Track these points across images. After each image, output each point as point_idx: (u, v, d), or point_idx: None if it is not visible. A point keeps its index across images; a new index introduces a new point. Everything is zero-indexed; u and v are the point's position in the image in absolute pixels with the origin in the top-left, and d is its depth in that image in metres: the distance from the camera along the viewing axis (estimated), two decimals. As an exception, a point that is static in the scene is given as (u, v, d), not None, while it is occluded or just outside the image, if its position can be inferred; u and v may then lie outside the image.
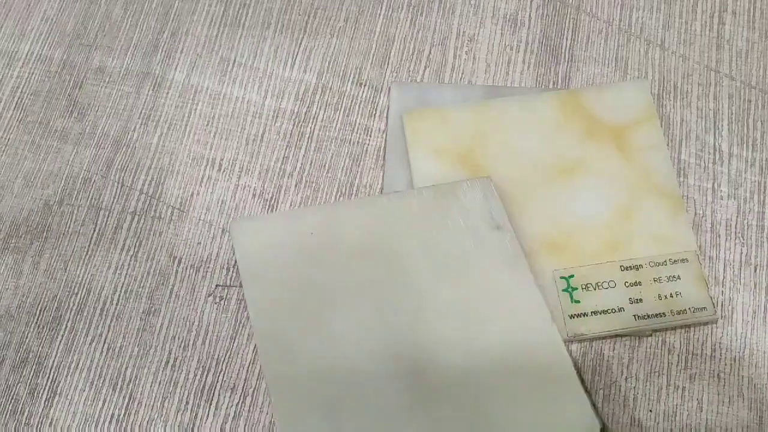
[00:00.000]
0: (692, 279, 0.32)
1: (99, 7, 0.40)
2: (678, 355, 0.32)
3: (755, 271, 0.33)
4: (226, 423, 0.31)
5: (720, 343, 0.32)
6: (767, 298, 0.33)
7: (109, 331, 0.33)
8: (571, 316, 0.31)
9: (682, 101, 0.36)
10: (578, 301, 0.32)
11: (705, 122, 0.36)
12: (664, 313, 0.31)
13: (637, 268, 0.32)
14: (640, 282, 0.32)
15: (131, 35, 0.39)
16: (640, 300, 0.32)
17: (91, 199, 0.35)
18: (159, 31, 0.39)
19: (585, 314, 0.31)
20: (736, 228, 0.34)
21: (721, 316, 0.32)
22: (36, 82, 0.38)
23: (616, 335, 0.32)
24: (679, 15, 0.38)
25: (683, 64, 0.37)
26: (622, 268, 0.32)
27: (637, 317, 0.31)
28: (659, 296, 0.32)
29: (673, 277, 0.32)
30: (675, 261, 0.32)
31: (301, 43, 0.38)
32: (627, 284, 0.32)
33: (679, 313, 0.31)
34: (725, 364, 0.32)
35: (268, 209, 0.35)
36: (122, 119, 0.37)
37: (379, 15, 0.39)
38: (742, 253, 0.33)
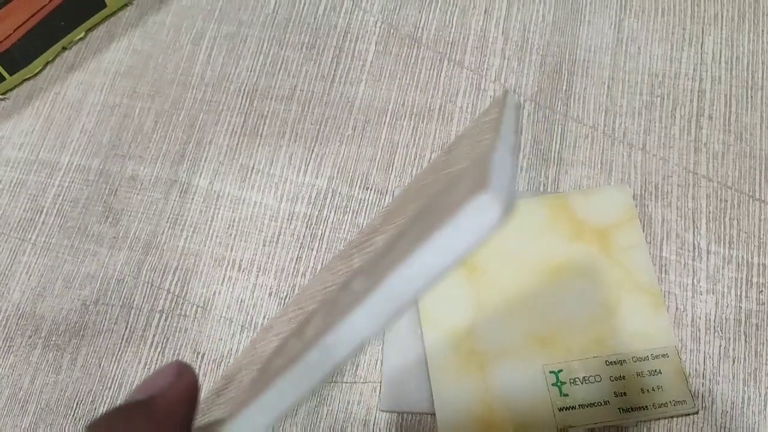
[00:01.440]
0: (672, 373, 0.35)
1: (132, 120, 0.44)
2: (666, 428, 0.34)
3: (733, 363, 0.36)
4: None
5: (706, 414, 0.34)
6: (745, 389, 0.35)
7: (138, 422, 0.36)
8: (560, 409, 0.34)
9: (662, 201, 0.39)
10: (567, 395, 0.34)
11: (684, 221, 0.39)
12: (646, 407, 0.34)
13: (621, 362, 0.35)
14: (624, 376, 0.35)
15: (161, 145, 0.43)
16: (624, 393, 0.34)
17: (124, 298, 0.39)
18: (185, 141, 0.43)
19: (573, 407, 0.34)
20: (714, 322, 0.37)
21: (702, 407, 0.35)
22: (75, 190, 0.42)
23: (603, 427, 0.34)
24: (659, 120, 0.42)
25: (663, 166, 0.40)
26: (607, 363, 0.35)
27: (621, 410, 0.34)
28: (642, 390, 0.34)
29: (655, 371, 0.35)
30: (656, 356, 0.35)
31: (313, 151, 0.42)
32: (612, 378, 0.35)
33: (660, 406, 0.34)
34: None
35: (282, 307, 0.38)
36: (152, 223, 0.41)
37: (384, 123, 0.43)
38: (720, 346, 0.36)
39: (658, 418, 0.34)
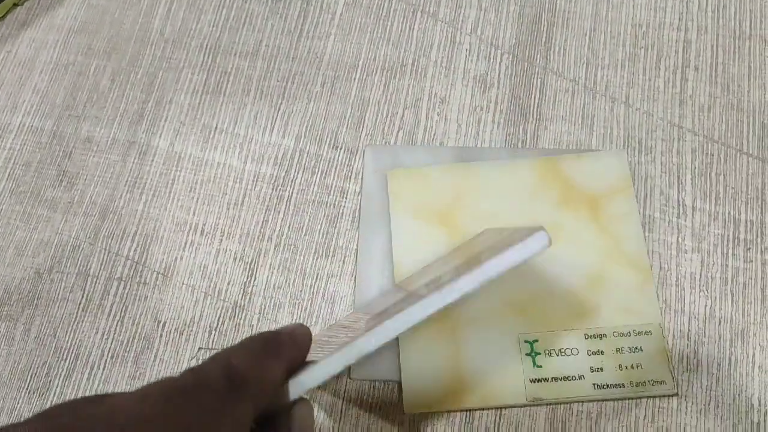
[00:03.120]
0: (654, 352, 0.33)
1: (87, 79, 0.41)
2: (645, 409, 0.33)
3: (719, 323, 0.34)
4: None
5: (686, 396, 0.33)
6: (732, 350, 0.34)
7: (96, 395, 0.34)
8: (532, 381, 0.32)
9: (646, 157, 0.38)
10: (540, 366, 0.33)
11: (669, 177, 0.37)
12: (623, 384, 0.32)
13: (600, 337, 0.33)
14: (602, 351, 0.33)
15: (118, 105, 0.41)
16: (601, 369, 0.33)
17: (80, 266, 0.37)
18: (144, 100, 0.41)
19: (546, 379, 0.32)
20: (700, 281, 0.35)
21: (687, 369, 0.33)
22: (27, 153, 0.40)
23: (581, 403, 0.33)
24: (643, 72, 0.40)
25: (647, 120, 0.39)
26: (586, 336, 0.33)
27: (596, 386, 0.32)
28: (620, 366, 0.33)
29: (636, 348, 0.33)
30: (639, 333, 0.33)
31: (279, 109, 0.40)
32: (590, 353, 0.33)
33: (638, 384, 0.32)
34: (691, 417, 0.32)
35: (248, 273, 0.36)
36: (109, 187, 0.39)
37: (354, 79, 0.41)
38: (706, 306, 0.34)
39: (634, 398, 0.33)
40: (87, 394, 0.34)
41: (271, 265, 0.36)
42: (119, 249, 0.37)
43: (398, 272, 0.35)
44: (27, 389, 0.34)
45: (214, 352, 0.34)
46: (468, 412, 0.33)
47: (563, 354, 0.33)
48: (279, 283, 0.36)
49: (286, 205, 0.38)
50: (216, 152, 0.39)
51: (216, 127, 0.40)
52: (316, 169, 0.39)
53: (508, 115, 0.39)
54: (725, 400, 0.33)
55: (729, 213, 0.36)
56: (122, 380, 0.34)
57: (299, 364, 0.26)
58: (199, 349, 0.35)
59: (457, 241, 0.35)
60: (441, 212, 0.36)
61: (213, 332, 0.35)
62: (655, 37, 0.40)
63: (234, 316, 0.35)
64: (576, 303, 0.34)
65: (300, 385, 0.25)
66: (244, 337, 0.26)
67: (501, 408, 0.33)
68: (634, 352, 0.33)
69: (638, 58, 0.40)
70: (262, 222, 0.37)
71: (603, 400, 0.33)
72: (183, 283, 0.36)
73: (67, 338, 0.35)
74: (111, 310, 0.36)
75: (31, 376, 0.35)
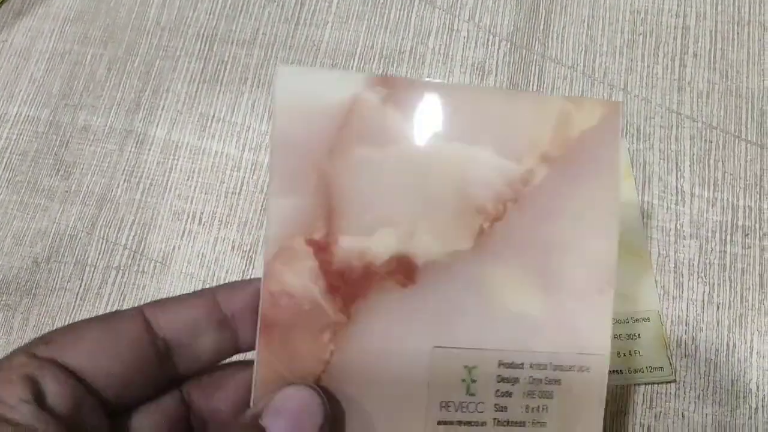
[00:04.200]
0: (652, 339, 0.33)
1: (84, 68, 0.41)
2: (643, 395, 0.33)
3: (718, 309, 0.34)
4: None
5: (684, 382, 0.33)
6: (730, 336, 0.34)
7: (95, 384, 0.34)
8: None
9: (644, 144, 0.38)
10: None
11: (667, 164, 0.37)
12: (621, 371, 0.32)
13: (599, 320, 0.33)
14: (601, 335, 0.33)
15: (114, 94, 0.40)
16: None
17: (77, 255, 0.37)
18: (141, 89, 0.41)
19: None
20: (698, 267, 0.35)
21: (685, 355, 0.33)
22: (24, 143, 0.40)
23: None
24: (641, 59, 0.40)
25: (645, 106, 0.38)
26: (585, 320, 0.33)
27: None
28: (618, 353, 0.33)
29: (634, 335, 0.33)
30: (637, 320, 0.33)
31: (277, 97, 0.40)
32: (588, 336, 0.33)
33: (636, 371, 0.32)
34: (689, 403, 0.32)
35: (246, 261, 0.36)
36: (106, 176, 0.39)
37: (352, 67, 0.40)
38: (704, 292, 0.34)
39: (632, 384, 0.33)
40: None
41: (269, 253, 0.36)
42: (117, 238, 0.37)
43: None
44: (26, 378, 0.34)
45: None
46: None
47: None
48: (277, 271, 0.36)
49: (283, 193, 0.38)
50: (213, 141, 0.39)
51: (213, 116, 0.40)
52: (314, 158, 0.38)
53: (506, 103, 0.39)
54: (723, 386, 0.33)
55: (727, 199, 0.36)
56: (121, 369, 0.34)
57: None
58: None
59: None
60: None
61: (211, 321, 0.35)
62: (653, 23, 0.40)
63: (232, 305, 0.35)
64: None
65: None
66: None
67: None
68: (632, 338, 0.33)
69: (637, 45, 0.40)
70: (260, 210, 0.37)
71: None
72: (181, 272, 0.36)
73: (65, 327, 0.35)
74: (109, 300, 0.36)
75: (29, 366, 0.35)
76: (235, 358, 0.24)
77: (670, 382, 0.33)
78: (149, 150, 0.39)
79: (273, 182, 0.22)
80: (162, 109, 0.40)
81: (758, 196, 0.36)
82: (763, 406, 0.32)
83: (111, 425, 0.21)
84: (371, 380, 0.22)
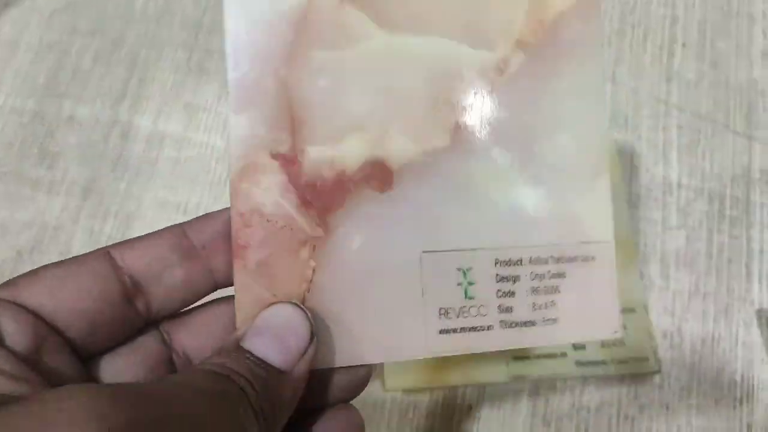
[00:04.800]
0: (637, 330, 0.33)
1: (70, 58, 0.41)
2: (628, 386, 0.32)
3: (704, 299, 0.34)
4: None
5: (669, 373, 0.33)
6: (715, 326, 0.33)
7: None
8: (515, 358, 0.32)
9: (632, 133, 0.37)
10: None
11: (654, 154, 0.37)
12: (605, 361, 0.32)
13: (584, 309, 0.33)
14: (586, 325, 0.33)
15: (101, 84, 0.40)
16: (583, 347, 0.32)
17: (62, 246, 0.37)
18: (127, 79, 0.40)
19: (528, 357, 0.32)
20: (685, 257, 0.35)
21: (670, 346, 0.33)
22: (9, 133, 0.39)
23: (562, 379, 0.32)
24: (630, 48, 0.39)
25: (633, 97, 0.38)
26: (570, 310, 0.33)
27: (578, 363, 0.32)
28: (603, 344, 0.32)
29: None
30: (622, 310, 0.33)
31: (263, 87, 0.40)
32: (573, 327, 0.33)
33: (620, 362, 0.32)
34: (674, 394, 0.32)
35: (230, 251, 0.36)
36: (91, 167, 0.38)
37: (339, 57, 0.40)
38: (690, 282, 0.34)
39: (617, 375, 0.32)
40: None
41: (253, 243, 0.36)
42: (102, 229, 0.37)
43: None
44: (9, 368, 0.34)
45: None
46: (450, 389, 0.33)
47: (544, 330, 0.33)
48: (261, 261, 0.36)
49: (269, 183, 0.38)
50: (199, 131, 0.39)
51: (199, 106, 0.40)
52: (300, 148, 0.38)
53: (494, 93, 0.39)
54: (708, 377, 0.33)
55: (715, 189, 0.36)
56: (104, 359, 0.34)
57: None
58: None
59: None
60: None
61: (195, 311, 0.35)
62: (642, 12, 0.40)
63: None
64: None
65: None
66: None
67: (483, 385, 0.33)
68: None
69: (625, 34, 0.40)
70: (245, 201, 0.37)
71: (585, 378, 0.32)
72: (165, 262, 0.36)
73: (49, 318, 0.35)
74: (93, 290, 0.36)
75: (13, 356, 0.35)
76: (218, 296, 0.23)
77: (655, 373, 0.32)
78: (134, 140, 0.39)
79: (230, 96, 0.21)
80: (147, 100, 0.40)
81: (746, 186, 0.36)
82: (747, 397, 0.32)
83: (83, 367, 0.20)
84: (359, 296, 0.21)
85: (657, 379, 0.32)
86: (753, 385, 0.32)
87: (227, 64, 0.21)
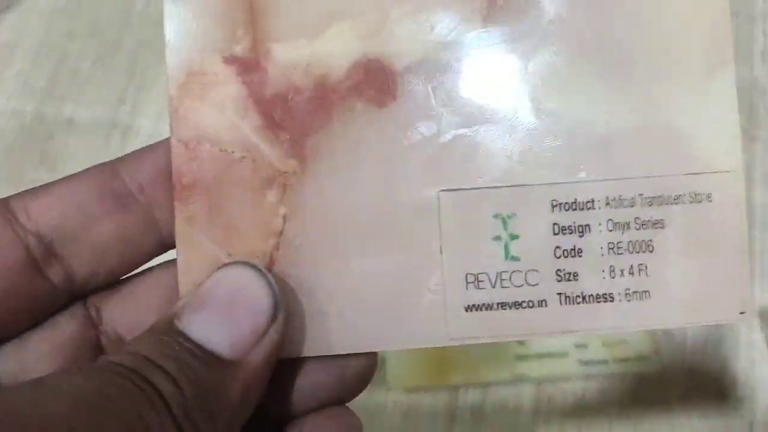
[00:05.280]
0: None
1: (70, 62, 0.41)
2: (630, 385, 0.32)
3: (706, 299, 0.34)
4: None
5: (671, 371, 0.33)
6: (717, 326, 0.33)
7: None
8: (517, 357, 0.32)
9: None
10: (523, 343, 0.32)
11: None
12: (607, 360, 0.32)
13: (584, 313, 0.33)
14: (586, 328, 0.33)
15: (101, 87, 0.40)
16: (585, 345, 0.32)
17: (62, 248, 0.37)
18: (127, 82, 0.40)
19: (530, 356, 0.32)
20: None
21: (673, 345, 0.33)
22: (9, 137, 0.39)
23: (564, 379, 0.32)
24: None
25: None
26: (571, 313, 0.33)
27: (581, 362, 0.32)
28: (604, 343, 0.32)
29: None
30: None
31: (263, 89, 0.40)
32: (573, 330, 0.32)
33: (622, 360, 0.32)
34: (676, 392, 0.32)
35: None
36: (92, 169, 0.38)
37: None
38: (692, 282, 0.34)
39: (619, 374, 0.32)
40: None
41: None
42: (102, 231, 0.37)
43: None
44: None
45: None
46: (454, 389, 0.32)
47: (547, 330, 0.32)
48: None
49: (269, 185, 0.37)
50: (199, 133, 0.39)
51: (199, 109, 0.40)
52: (300, 149, 0.38)
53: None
54: (710, 376, 0.32)
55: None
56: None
57: None
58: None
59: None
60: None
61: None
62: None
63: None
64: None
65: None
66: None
67: (487, 385, 0.32)
68: (619, 327, 0.32)
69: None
70: (246, 202, 0.37)
71: (588, 377, 0.32)
72: (166, 264, 0.36)
73: (49, 320, 0.35)
74: (93, 292, 0.36)
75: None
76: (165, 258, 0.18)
77: (656, 372, 0.32)
78: (135, 141, 0.39)
79: None
80: (147, 102, 0.40)
81: (748, 186, 0.36)
82: (751, 396, 0.32)
83: None
84: (349, 256, 0.15)
85: (659, 378, 0.32)
86: (755, 384, 0.32)
87: None
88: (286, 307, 0.15)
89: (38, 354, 0.16)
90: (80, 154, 0.39)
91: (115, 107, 0.40)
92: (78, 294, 0.17)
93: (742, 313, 0.15)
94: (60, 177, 0.37)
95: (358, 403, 0.32)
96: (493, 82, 0.15)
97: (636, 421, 0.32)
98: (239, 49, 0.15)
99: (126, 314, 0.17)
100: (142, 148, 0.17)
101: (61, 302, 0.17)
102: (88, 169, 0.17)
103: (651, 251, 0.15)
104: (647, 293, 0.15)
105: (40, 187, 0.17)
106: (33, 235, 0.16)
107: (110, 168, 0.17)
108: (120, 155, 0.38)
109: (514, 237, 0.15)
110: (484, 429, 0.32)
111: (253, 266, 0.15)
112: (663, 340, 0.33)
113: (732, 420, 0.32)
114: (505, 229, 0.15)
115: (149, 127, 0.39)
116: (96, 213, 0.16)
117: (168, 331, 0.14)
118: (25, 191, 0.17)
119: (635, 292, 0.15)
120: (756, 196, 0.36)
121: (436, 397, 0.32)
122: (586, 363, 0.32)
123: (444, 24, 0.15)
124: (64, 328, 0.16)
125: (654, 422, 0.32)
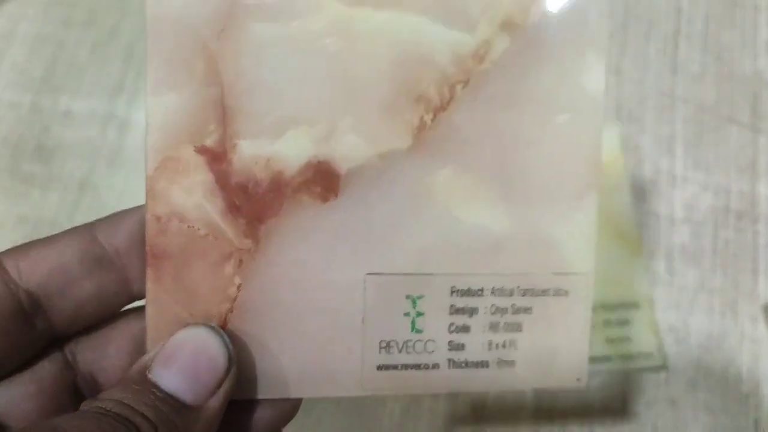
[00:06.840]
0: (642, 324, 0.32)
1: (66, 51, 0.40)
2: (633, 382, 0.32)
3: (710, 295, 0.34)
4: None
5: (675, 368, 0.32)
6: (721, 321, 0.33)
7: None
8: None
9: (637, 126, 0.37)
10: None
11: (659, 147, 0.36)
12: (610, 357, 0.32)
13: (588, 309, 0.33)
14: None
15: (97, 78, 0.40)
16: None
17: (58, 241, 0.36)
18: (124, 72, 0.40)
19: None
20: (690, 252, 0.34)
21: (676, 341, 0.33)
22: (5, 128, 0.39)
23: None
24: (634, 41, 0.39)
25: (638, 89, 0.38)
26: (574, 306, 0.33)
27: None
28: (607, 339, 0.32)
29: (624, 321, 0.32)
30: (627, 306, 0.32)
31: (262, 81, 0.39)
32: (577, 324, 0.32)
33: (625, 357, 0.32)
34: (680, 389, 0.32)
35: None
36: (88, 161, 0.38)
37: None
38: (696, 276, 0.34)
39: (623, 371, 0.32)
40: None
41: (253, 238, 0.36)
42: (99, 224, 0.36)
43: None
44: (5, 366, 0.34)
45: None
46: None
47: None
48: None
49: (268, 178, 0.37)
50: (197, 125, 0.38)
51: (197, 100, 0.39)
52: (300, 142, 0.38)
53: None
54: (715, 372, 0.32)
55: (720, 183, 0.36)
56: (102, 356, 0.34)
57: None
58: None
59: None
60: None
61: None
62: (646, 4, 0.40)
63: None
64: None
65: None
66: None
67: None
68: (622, 325, 0.32)
69: (629, 26, 0.39)
70: (245, 195, 0.37)
71: (591, 373, 0.32)
72: (164, 258, 0.36)
73: (45, 314, 0.35)
74: (90, 286, 0.35)
75: (9, 353, 0.34)
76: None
77: (660, 368, 0.32)
78: (132, 134, 0.38)
79: (148, 75, 0.17)
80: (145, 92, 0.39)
81: (751, 180, 0.35)
82: (755, 393, 0.32)
83: None
84: (290, 320, 0.18)
85: (663, 374, 0.32)
86: (759, 380, 0.32)
87: (146, 34, 0.18)
88: (236, 361, 0.18)
89: (25, 393, 0.18)
90: (77, 146, 0.38)
91: (112, 98, 0.39)
92: (57, 340, 0.19)
93: (578, 379, 0.20)
94: (56, 169, 0.37)
95: (359, 403, 0.32)
96: (414, 191, 0.19)
97: (640, 418, 0.31)
98: (210, 141, 0.18)
99: (99, 358, 0.19)
100: (116, 213, 0.20)
101: (42, 347, 0.19)
102: (69, 231, 0.19)
103: (520, 331, 0.19)
104: (513, 362, 0.19)
105: (29, 244, 0.19)
106: (24, 290, 0.18)
107: (89, 230, 0.19)
108: (117, 148, 0.38)
109: (420, 314, 0.19)
110: (486, 427, 0.31)
111: (212, 328, 0.18)
112: (667, 337, 0.33)
113: (737, 416, 0.31)
114: (414, 307, 0.19)
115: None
116: (77, 274, 0.18)
117: (142, 382, 0.16)
118: (16, 248, 0.19)
119: (505, 361, 0.19)
120: (761, 188, 0.35)
121: (436, 396, 0.32)
122: (589, 360, 0.31)
123: (382, 138, 0.18)
124: (47, 370, 0.19)
125: (658, 419, 0.31)
